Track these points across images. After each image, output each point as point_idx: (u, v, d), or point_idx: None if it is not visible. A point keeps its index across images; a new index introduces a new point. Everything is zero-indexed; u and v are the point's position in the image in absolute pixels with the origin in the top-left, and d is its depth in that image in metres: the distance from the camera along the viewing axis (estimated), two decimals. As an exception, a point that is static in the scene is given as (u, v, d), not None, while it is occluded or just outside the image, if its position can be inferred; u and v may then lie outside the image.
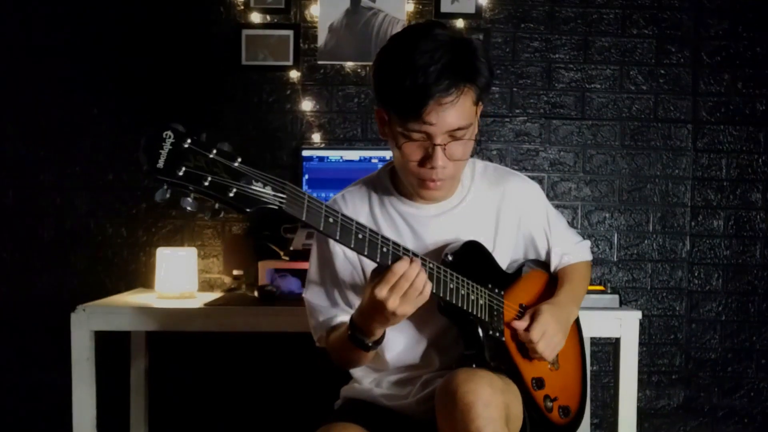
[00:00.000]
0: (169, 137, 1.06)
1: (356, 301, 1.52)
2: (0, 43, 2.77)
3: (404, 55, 1.35)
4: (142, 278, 2.76)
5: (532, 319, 1.49)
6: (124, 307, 2.19)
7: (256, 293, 2.30)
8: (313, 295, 1.56)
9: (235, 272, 2.57)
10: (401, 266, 1.26)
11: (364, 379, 1.58)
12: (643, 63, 2.86)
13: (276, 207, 1.13)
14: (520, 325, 1.49)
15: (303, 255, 2.30)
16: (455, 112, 1.36)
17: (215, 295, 2.48)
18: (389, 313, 1.26)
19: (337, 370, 1.65)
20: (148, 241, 2.78)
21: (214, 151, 1.08)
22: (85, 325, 2.08)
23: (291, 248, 2.40)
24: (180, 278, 2.36)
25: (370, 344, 1.37)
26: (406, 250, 1.30)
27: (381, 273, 1.27)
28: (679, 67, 2.86)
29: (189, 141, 1.06)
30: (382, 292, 1.25)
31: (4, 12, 2.77)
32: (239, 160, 1.10)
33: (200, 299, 2.33)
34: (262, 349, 2.73)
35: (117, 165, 2.77)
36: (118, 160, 2.77)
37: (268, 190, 1.12)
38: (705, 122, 2.87)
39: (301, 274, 2.27)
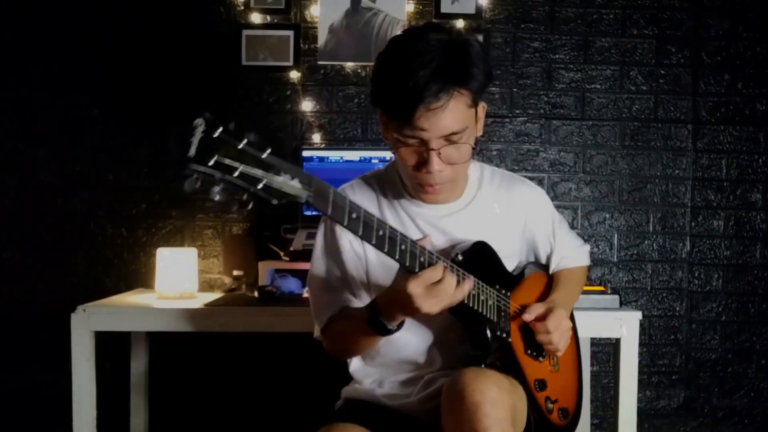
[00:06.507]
0: (200, 125, 1.02)
1: (360, 291, 1.53)
2: (0, 42, 2.77)
3: (398, 58, 1.35)
4: (142, 278, 2.76)
5: (548, 311, 1.49)
6: (124, 308, 2.19)
7: (256, 293, 2.30)
8: (318, 282, 1.56)
9: (236, 272, 2.56)
10: (439, 271, 1.26)
11: (366, 379, 1.58)
12: (643, 63, 2.86)
13: (303, 200, 1.12)
14: (529, 315, 1.49)
15: (303, 255, 2.30)
16: (448, 117, 1.35)
17: (215, 295, 2.47)
18: (414, 308, 1.26)
19: (337, 371, 1.65)
20: (148, 241, 2.78)
21: (245, 141, 1.05)
22: (85, 325, 2.08)
23: (291, 249, 2.40)
24: (180, 278, 2.36)
25: (392, 328, 1.35)
26: (423, 249, 1.28)
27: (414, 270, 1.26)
28: (679, 67, 2.86)
29: (220, 129, 1.02)
30: (417, 288, 1.25)
31: (4, 12, 2.76)
32: (268, 151, 1.07)
33: (200, 299, 2.32)
34: (262, 349, 2.73)
35: (117, 165, 2.77)
36: (118, 160, 2.77)
37: (295, 182, 1.10)
38: (705, 122, 2.87)
39: (302, 275, 2.28)
